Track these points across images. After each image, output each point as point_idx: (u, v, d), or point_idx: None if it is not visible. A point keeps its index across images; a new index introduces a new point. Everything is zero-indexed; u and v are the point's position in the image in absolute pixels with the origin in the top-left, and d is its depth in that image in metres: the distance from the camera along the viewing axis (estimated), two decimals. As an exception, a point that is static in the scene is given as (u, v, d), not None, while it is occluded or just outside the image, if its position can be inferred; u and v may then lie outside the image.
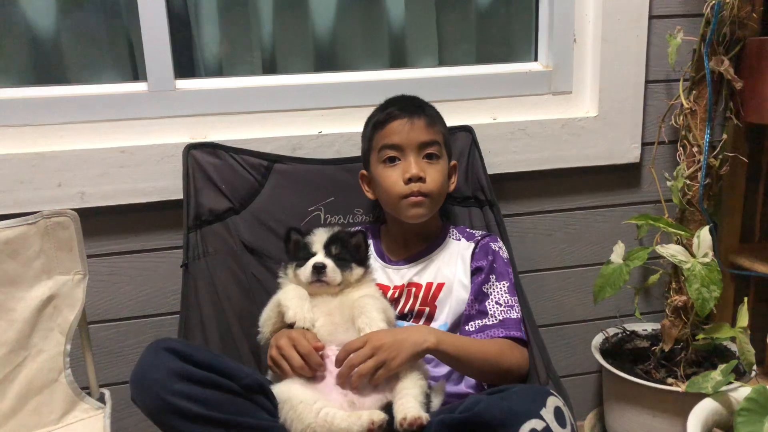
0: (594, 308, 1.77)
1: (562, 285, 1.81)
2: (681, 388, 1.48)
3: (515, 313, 1.27)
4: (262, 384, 1.07)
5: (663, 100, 1.70)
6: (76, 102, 1.49)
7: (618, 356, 1.70)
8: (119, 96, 1.51)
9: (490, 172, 1.57)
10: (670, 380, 1.55)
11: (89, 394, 1.28)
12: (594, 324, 1.81)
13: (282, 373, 1.12)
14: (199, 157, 1.43)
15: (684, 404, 1.42)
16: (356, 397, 1.09)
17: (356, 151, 1.52)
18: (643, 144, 1.73)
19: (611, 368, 1.61)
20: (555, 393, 0.91)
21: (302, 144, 1.54)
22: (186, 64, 1.60)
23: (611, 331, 1.80)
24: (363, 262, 1.30)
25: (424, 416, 1.00)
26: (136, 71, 1.57)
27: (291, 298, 1.20)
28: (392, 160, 1.30)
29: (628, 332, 1.81)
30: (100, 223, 1.49)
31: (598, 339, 1.76)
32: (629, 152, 1.71)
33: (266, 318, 1.25)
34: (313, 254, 1.25)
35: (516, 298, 1.29)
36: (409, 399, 1.04)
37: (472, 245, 1.34)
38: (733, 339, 1.47)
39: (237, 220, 1.44)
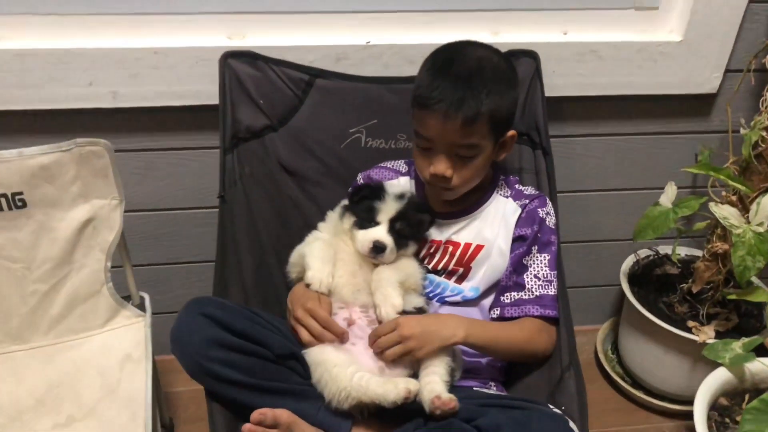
0: (630, 230, 1.71)
1: (603, 205, 1.73)
2: (699, 339, 1.49)
3: (552, 290, 1.23)
4: (293, 351, 1.11)
5: (763, 24, 1.47)
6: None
7: (644, 283, 1.69)
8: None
9: (551, 94, 1.42)
10: (690, 323, 1.55)
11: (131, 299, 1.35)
12: (627, 244, 1.75)
13: (304, 341, 1.13)
14: (237, 68, 1.31)
15: (697, 348, 1.45)
16: (385, 364, 1.12)
17: (406, 66, 1.39)
18: (726, 71, 1.52)
19: (635, 303, 1.61)
20: (570, 421, 0.93)
21: (348, 54, 1.39)
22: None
23: (642, 253, 1.77)
24: (420, 238, 1.26)
25: (455, 403, 1.03)
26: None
27: (315, 257, 1.17)
28: (424, 147, 1.19)
29: (660, 255, 1.77)
30: (134, 120, 1.43)
31: (628, 263, 1.74)
32: (708, 82, 1.53)
33: (293, 263, 1.24)
34: (377, 223, 1.19)
35: (555, 272, 1.25)
36: (437, 381, 1.07)
37: (519, 210, 1.27)
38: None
39: (275, 137, 1.37)
